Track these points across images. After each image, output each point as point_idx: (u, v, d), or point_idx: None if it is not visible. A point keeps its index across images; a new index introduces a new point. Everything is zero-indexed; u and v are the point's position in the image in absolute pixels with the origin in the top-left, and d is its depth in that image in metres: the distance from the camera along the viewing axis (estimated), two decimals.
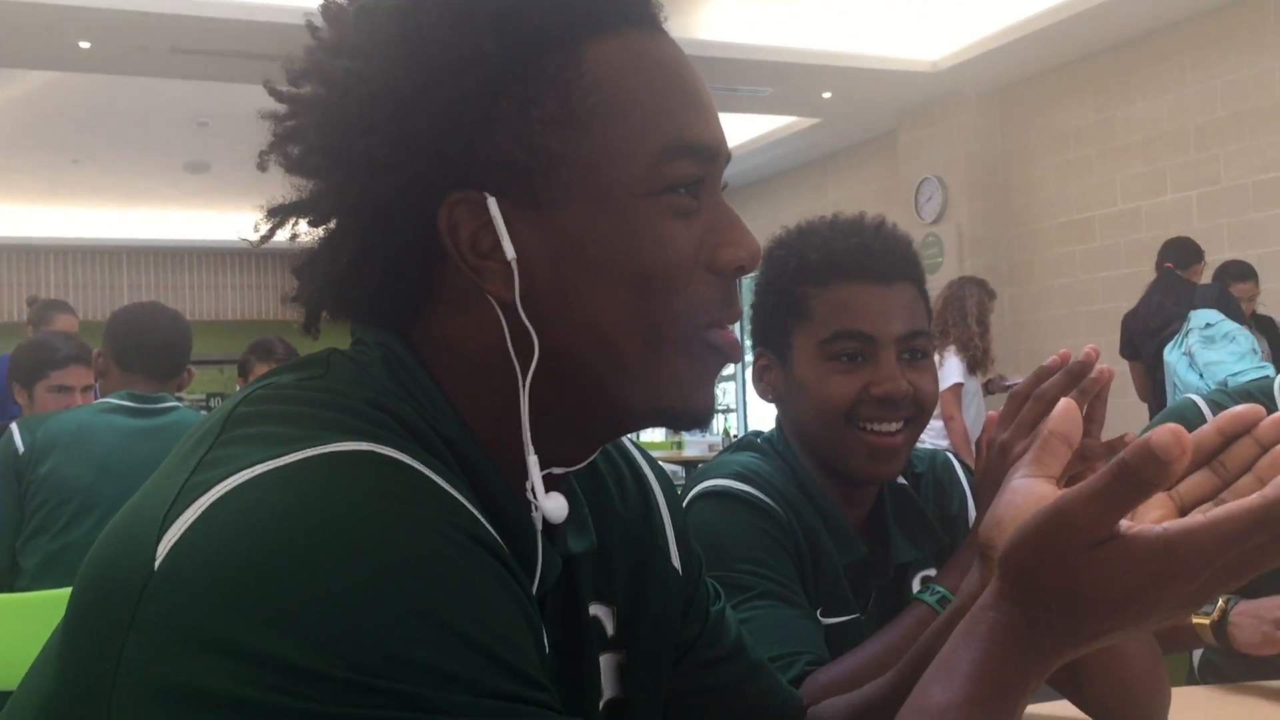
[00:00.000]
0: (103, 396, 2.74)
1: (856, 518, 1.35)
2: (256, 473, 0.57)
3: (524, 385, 0.68)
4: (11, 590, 2.42)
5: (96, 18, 5.56)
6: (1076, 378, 1.08)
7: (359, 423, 0.61)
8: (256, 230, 0.73)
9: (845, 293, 1.29)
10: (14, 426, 2.59)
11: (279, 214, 0.73)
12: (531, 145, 0.67)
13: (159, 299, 3.80)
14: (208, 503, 0.57)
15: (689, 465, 9.78)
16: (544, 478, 0.70)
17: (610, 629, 0.83)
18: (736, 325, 0.75)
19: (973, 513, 1.38)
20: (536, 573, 0.70)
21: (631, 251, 0.67)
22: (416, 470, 0.60)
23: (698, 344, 0.70)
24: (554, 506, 0.70)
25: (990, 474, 1.16)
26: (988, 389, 5.54)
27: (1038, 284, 7.53)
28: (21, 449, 2.53)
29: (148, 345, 2.73)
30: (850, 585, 1.30)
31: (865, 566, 1.31)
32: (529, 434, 0.69)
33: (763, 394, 1.39)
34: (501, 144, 0.67)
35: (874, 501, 1.37)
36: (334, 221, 0.72)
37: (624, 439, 0.92)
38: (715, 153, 0.71)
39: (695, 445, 9.78)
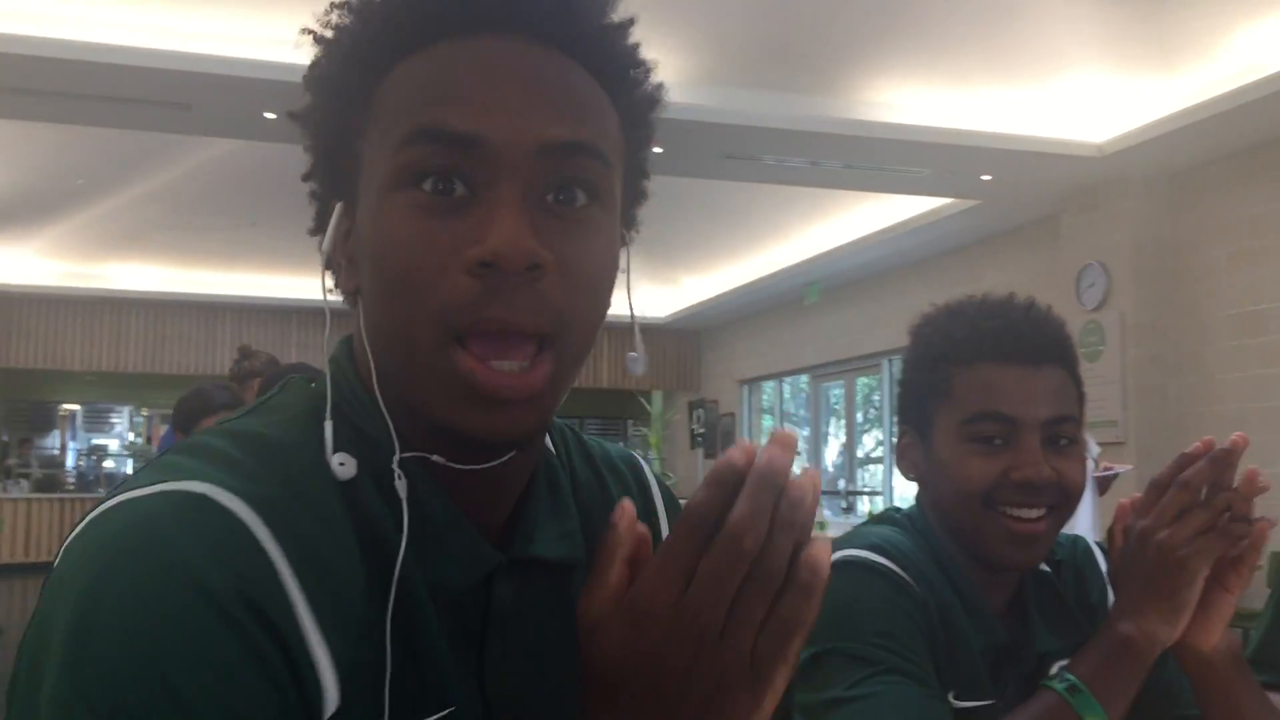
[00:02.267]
0: None
1: (997, 602, 1.31)
2: (97, 511, 0.65)
3: (375, 374, 0.74)
4: None
5: (284, 90, 5.90)
6: (1221, 466, 1.04)
7: (214, 468, 0.67)
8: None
9: (988, 373, 1.27)
10: None
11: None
12: (352, 155, 0.74)
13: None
14: (81, 523, 0.66)
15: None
16: (447, 468, 0.74)
17: None
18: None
19: (1112, 601, 1.33)
20: (402, 546, 0.71)
21: (377, 247, 0.70)
22: (218, 511, 0.64)
23: (442, 357, 0.68)
24: (336, 463, 0.72)
25: (1129, 561, 1.12)
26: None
27: (1208, 377, 7.20)
28: None
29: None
30: (988, 670, 1.25)
31: (1005, 653, 1.27)
32: (389, 419, 0.74)
33: (905, 471, 1.37)
34: (347, 153, 0.74)
35: (1016, 588, 1.33)
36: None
37: (642, 463, 0.96)
38: (467, 139, 0.67)
39: (838, 527, 9.62)
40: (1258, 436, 5.63)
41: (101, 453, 15.26)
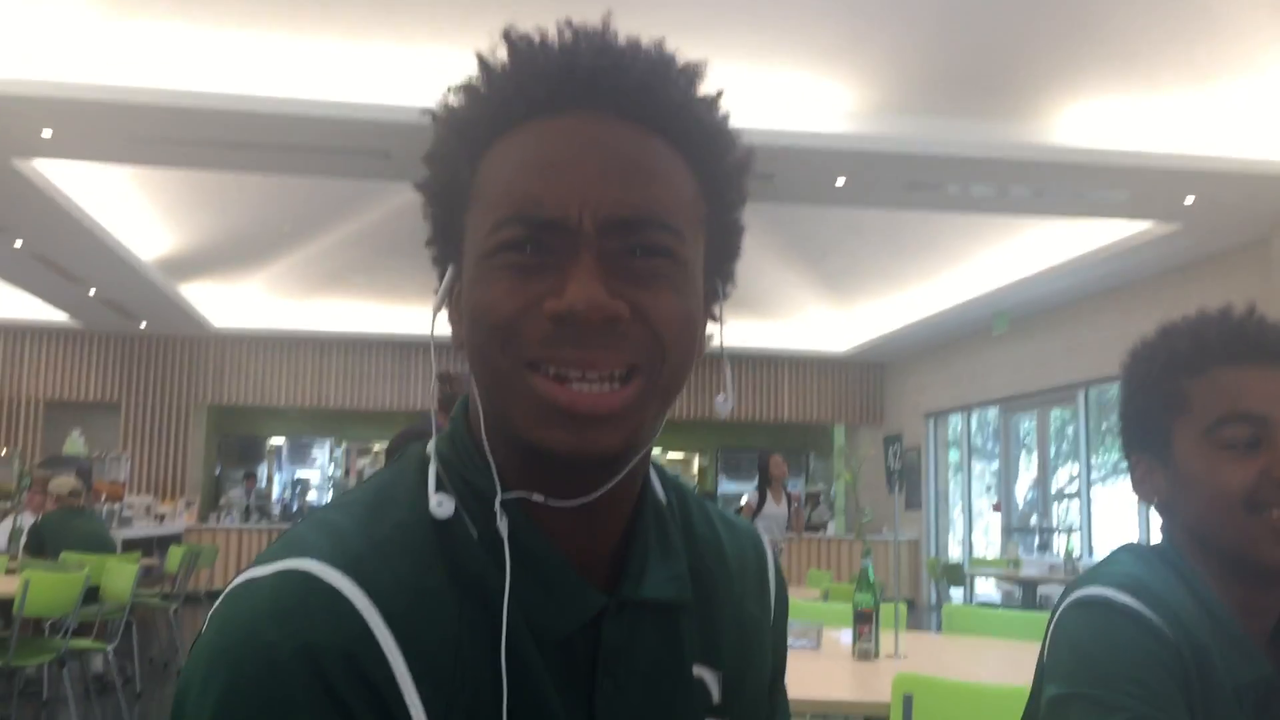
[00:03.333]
0: None
1: (1261, 632, 1.23)
2: (232, 585, 0.75)
3: (482, 417, 0.81)
4: None
5: None
6: None
7: (323, 539, 0.75)
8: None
9: (1226, 376, 1.23)
10: None
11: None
12: (461, 225, 0.82)
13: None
14: (221, 597, 0.75)
15: (1026, 585, 9.27)
16: (548, 509, 0.79)
17: (716, 694, 0.87)
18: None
19: None
20: (505, 585, 0.76)
21: (473, 303, 0.77)
22: (320, 589, 0.72)
23: (521, 381, 0.75)
24: (435, 503, 0.78)
25: None
26: None
27: None
28: None
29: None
30: (1255, 708, 1.17)
31: (1271, 688, 1.19)
32: (492, 462, 0.80)
33: (1146, 498, 1.32)
34: (456, 224, 0.82)
35: (1278, 618, 1.25)
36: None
37: (765, 542, 1.00)
38: (547, 223, 0.74)
39: (1033, 565, 9.26)
40: None
41: (304, 485, 16.04)
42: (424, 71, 6.14)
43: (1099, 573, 1.24)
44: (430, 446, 0.85)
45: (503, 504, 0.79)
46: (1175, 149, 6.64)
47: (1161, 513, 1.31)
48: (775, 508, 8.48)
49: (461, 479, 0.81)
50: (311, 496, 15.83)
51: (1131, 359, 1.34)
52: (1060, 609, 1.22)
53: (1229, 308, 1.30)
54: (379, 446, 16.83)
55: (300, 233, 10.47)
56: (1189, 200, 7.32)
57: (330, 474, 16.51)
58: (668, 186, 0.78)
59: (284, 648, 0.69)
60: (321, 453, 16.62)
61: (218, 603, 0.74)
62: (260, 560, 0.76)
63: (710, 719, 0.86)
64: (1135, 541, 1.33)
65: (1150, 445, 1.30)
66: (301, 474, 16.34)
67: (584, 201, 0.74)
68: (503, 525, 0.78)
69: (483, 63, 0.81)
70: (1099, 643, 1.15)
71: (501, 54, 0.80)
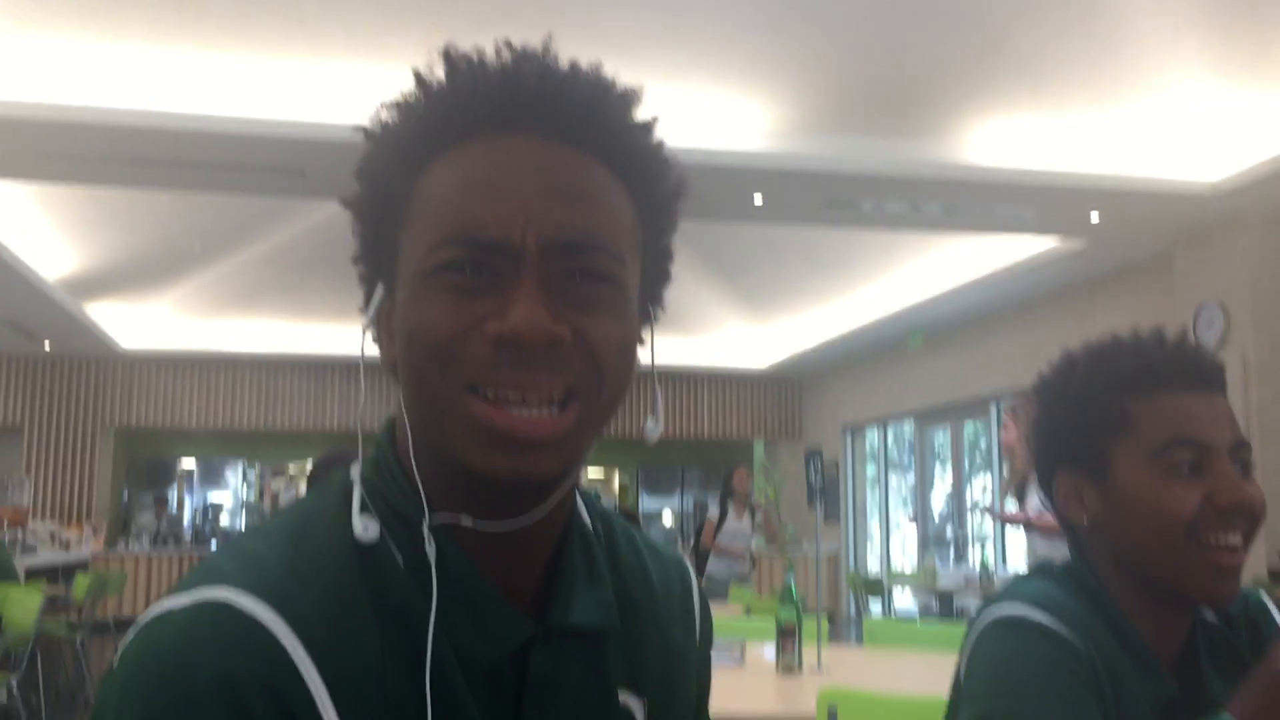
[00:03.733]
0: None
1: (1167, 654, 1.26)
2: (145, 617, 0.72)
3: (410, 439, 0.79)
4: None
5: None
6: None
7: (241, 568, 0.74)
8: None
9: (1171, 401, 1.24)
10: None
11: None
12: (393, 243, 0.80)
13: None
14: (132, 631, 0.73)
15: (942, 596, 9.41)
16: (475, 534, 0.78)
17: None
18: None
19: None
20: (432, 611, 0.75)
21: (410, 323, 0.76)
22: (238, 618, 0.70)
23: (460, 403, 0.74)
24: (360, 528, 0.77)
25: None
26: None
27: None
28: None
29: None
30: None
31: (1176, 705, 1.21)
32: (420, 485, 0.78)
33: (1073, 517, 1.31)
34: (389, 242, 0.81)
35: (1185, 639, 1.27)
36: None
37: (689, 569, 1.01)
38: (488, 244, 0.74)
39: (949, 578, 9.40)
40: None
41: (217, 509, 15.67)
42: (339, 88, 6.06)
43: (1014, 591, 1.25)
44: (354, 471, 0.83)
45: (430, 529, 0.78)
46: (1081, 168, 6.82)
47: (1084, 533, 1.31)
48: (737, 522, 8.46)
49: (385, 503, 0.80)
50: (224, 521, 15.46)
51: (1059, 375, 1.33)
52: (978, 629, 1.23)
53: (1162, 331, 1.31)
54: (294, 469, 16.53)
55: (211, 251, 10.27)
56: (1095, 218, 7.52)
57: (244, 497, 16.16)
58: (609, 212, 0.78)
59: (201, 678, 0.67)
60: (234, 475, 16.26)
61: (130, 634, 0.72)
62: (175, 590, 0.73)
63: None
64: (1046, 562, 1.34)
65: (1084, 462, 1.30)
66: (214, 497, 15.96)
67: (527, 223, 0.74)
68: (430, 549, 0.77)
69: (420, 80, 0.80)
70: (1017, 660, 1.16)
71: (439, 72, 0.79)
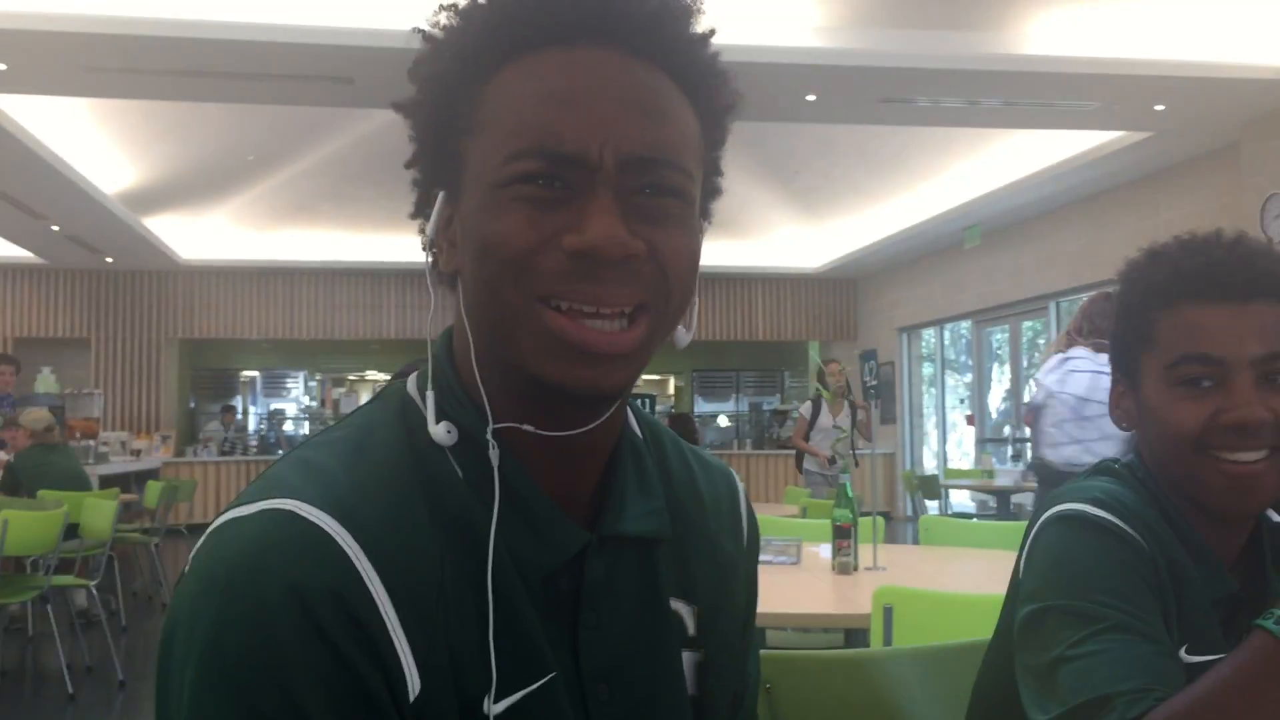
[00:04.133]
0: None
1: (1229, 551, 1.25)
2: (215, 524, 0.74)
3: (473, 348, 0.80)
4: None
5: None
6: None
7: (305, 479, 0.75)
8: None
9: (1191, 314, 1.21)
10: None
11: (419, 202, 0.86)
12: (457, 151, 0.79)
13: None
14: (204, 536, 0.75)
15: (1000, 494, 9.41)
16: (540, 439, 0.79)
17: (691, 627, 0.90)
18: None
19: None
20: (494, 519, 0.77)
21: (483, 232, 0.75)
22: (304, 528, 0.71)
23: (534, 315, 0.74)
24: (438, 430, 0.79)
25: None
26: None
27: None
28: None
29: None
30: (1221, 623, 1.19)
31: (1238, 603, 1.21)
32: (484, 393, 0.79)
33: (1118, 421, 1.33)
34: (452, 149, 0.79)
35: (1248, 536, 1.27)
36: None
37: (738, 482, 1.01)
38: (568, 157, 0.73)
39: (1006, 475, 9.38)
40: None
41: (280, 416, 16.00)
42: None
43: (1075, 490, 1.25)
44: (410, 382, 0.85)
45: (492, 436, 0.79)
46: (1145, 55, 6.60)
47: (1138, 435, 1.31)
48: (829, 419, 8.00)
49: (445, 414, 0.81)
50: (288, 428, 15.80)
51: (1121, 281, 1.32)
52: (1037, 526, 1.23)
53: (1216, 235, 1.27)
54: (354, 377, 16.78)
55: (264, 162, 10.31)
56: (1159, 108, 7.30)
57: (305, 406, 16.47)
58: (680, 127, 0.78)
59: (272, 586, 0.69)
60: (296, 385, 16.56)
61: (201, 540, 0.74)
62: (241, 500, 0.75)
63: (685, 651, 0.88)
64: (1111, 460, 1.34)
65: (1125, 370, 1.31)
66: (276, 406, 16.29)
67: (604, 138, 0.74)
68: (494, 455, 0.79)
69: None
70: (1077, 556, 1.16)
71: None
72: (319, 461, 0.77)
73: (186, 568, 0.74)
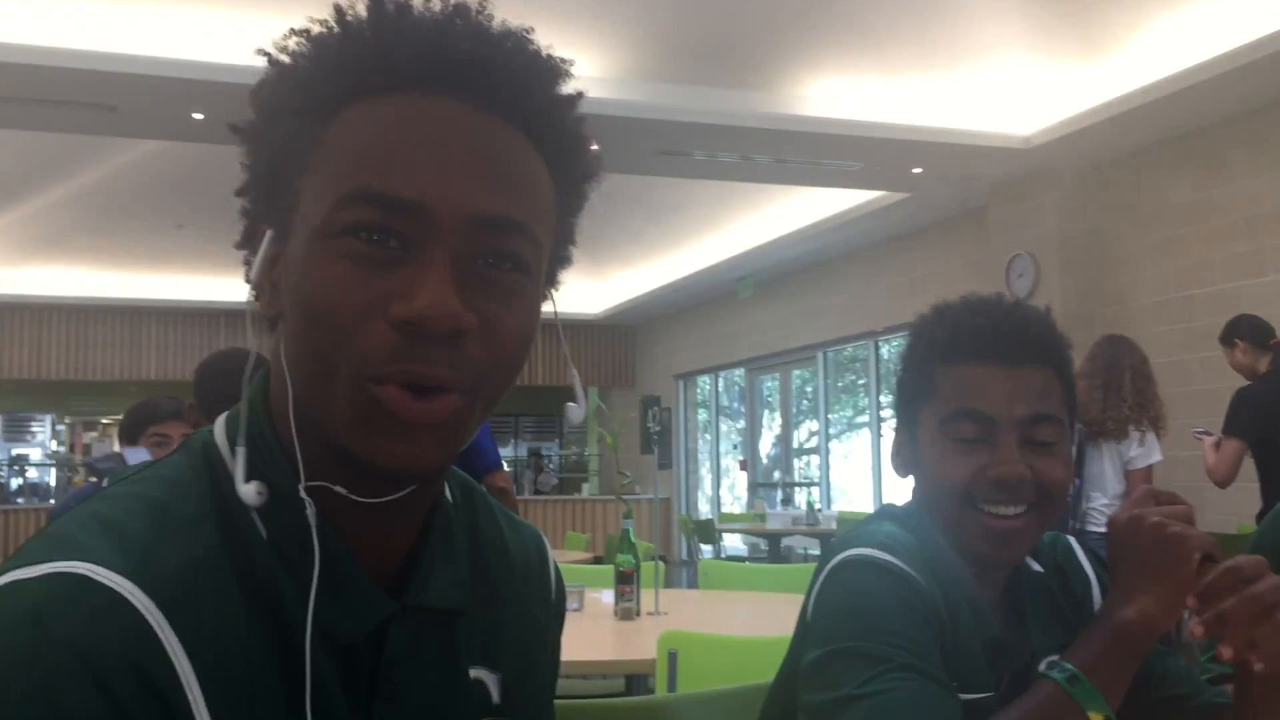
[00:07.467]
0: None
1: (991, 595, 1.31)
2: None
3: (291, 404, 0.74)
4: None
5: (210, 90, 5.79)
6: None
7: (98, 538, 0.67)
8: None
9: (968, 372, 1.27)
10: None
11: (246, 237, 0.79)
12: (290, 189, 0.73)
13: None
14: None
15: (771, 537, 9.69)
16: (342, 509, 0.74)
17: (495, 695, 0.86)
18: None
19: (1098, 598, 1.34)
20: (314, 576, 0.72)
21: (305, 285, 0.70)
22: (98, 592, 0.64)
23: (363, 392, 0.69)
24: (248, 490, 0.72)
25: (1123, 546, 1.17)
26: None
27: None
28: None
29: (232, 393, 2.83)
30: (988, 665, 1.25)
31: (999, 647, 1.27)
32: (299, 450, 0.73)
33: (897, 468, 1.38)
34: (285, 185, 0.74)
35: (1006, 585, 1.33)
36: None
37: (546, 543, 0.99)
38: (407, 205, 0.68)
39: (778, 519, 9.68)
40: (1182, 420, 5.77)
41: (23, 462, 14.87)
42: (153, 20, 5.73)
43: (861, 535, 1.29)
44: (219, 432, 0.78)
45: (306, 495, 0.74)
46: (904, 121, 7.02)
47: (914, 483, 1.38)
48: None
49: (255, 468, 0.75)
50: (32, 475, 14.69)
51: (910, 335, 1.38)
52: (825, 571, 1.26)
53: (998, 298, 1.34)
54: (108, 420, 15.79)
55: (14, 192, 9.63)
56: (916, 170, 7.77)
57: (52, 451, 15.37)
58: (532, 191, 0.74)
59: (59, 657, 0.61)
60: (42, 428, 15.44)
61: None
62: (23, 559, 0.67)
63: (489, 719, 0.85)
64: (890, 505, 1.39)
65: (904, 420, 1.36)
66: (20, 451, 15.13)
67: (447, 193, 0.69)
68: (312, 515, 0.73)
69: (341, 16, 0.73)
70: (865, 599, 1.19)
71: (361, 10, 0.73)
72: (114, 519, 0.70)
73: None
